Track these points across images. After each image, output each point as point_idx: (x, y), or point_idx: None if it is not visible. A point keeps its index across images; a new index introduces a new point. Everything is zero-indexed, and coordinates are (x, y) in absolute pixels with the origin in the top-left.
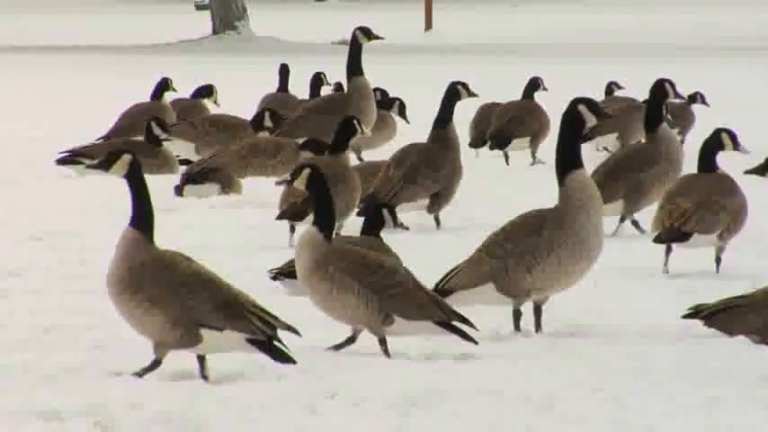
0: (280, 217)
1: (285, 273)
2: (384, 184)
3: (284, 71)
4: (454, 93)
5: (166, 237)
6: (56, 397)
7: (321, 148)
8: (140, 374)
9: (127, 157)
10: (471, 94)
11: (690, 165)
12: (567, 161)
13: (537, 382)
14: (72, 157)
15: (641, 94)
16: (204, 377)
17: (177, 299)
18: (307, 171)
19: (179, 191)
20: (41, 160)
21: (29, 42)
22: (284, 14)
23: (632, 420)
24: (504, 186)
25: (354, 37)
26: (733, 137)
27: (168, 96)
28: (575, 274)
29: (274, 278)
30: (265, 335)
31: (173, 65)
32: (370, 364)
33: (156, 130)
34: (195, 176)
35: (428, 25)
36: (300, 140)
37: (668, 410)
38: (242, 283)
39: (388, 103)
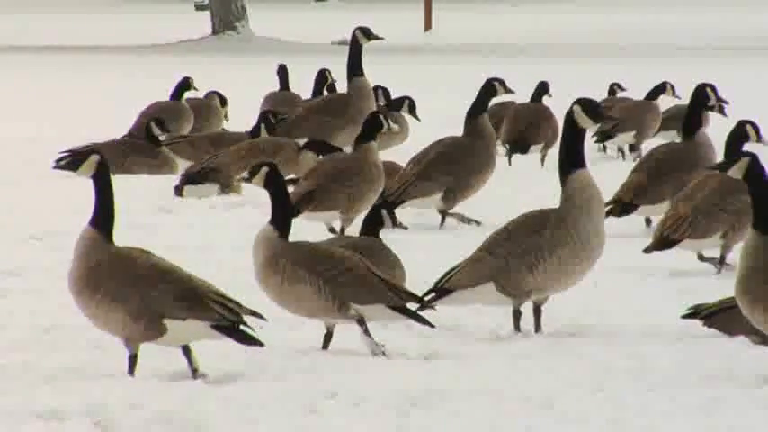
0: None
1: None
2: (398, 181)
3: (283, 71)
4: (490, 88)
5: (166, 237)
6: (56, 397)
7: (324, 149)
8: (131, 373)
9: (94, 158)
10: (508, 91)
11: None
12: (570, 161)
13: (537, 382)
14: (71, 157)
15: (642, 94)
16: (194, 371)
17: (136, 292)
18: (265, 170)
19: (179, 191)
20: (41, 160)
21: (29, 42)
22: (284, 15)
23: (632, 420)
24: (505, 186)
25: (354, 37)
26: (756, 129)
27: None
28: (575, 274)
29: None
30: (229, 320)
31: (172, 65)
32: (369, 363)
33: (156, 131)
34: (195, 177)
35: (428, 25)
36: (300, 140)
37: (668, 410)
38: (241, 283)
39: (398, 103)
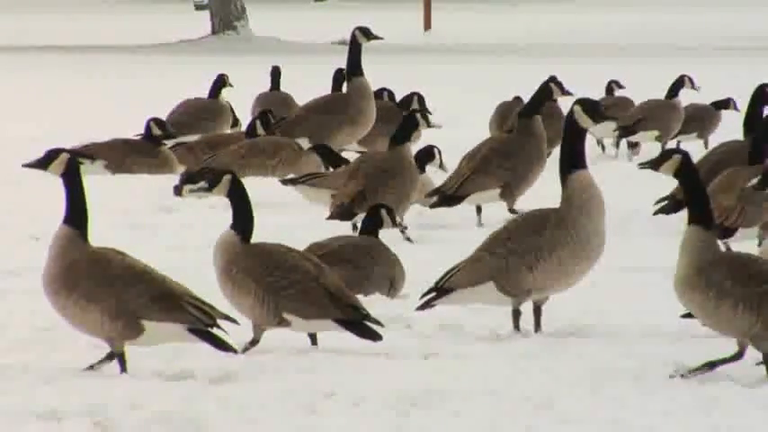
0: (330, 217)
1: None
2: (454, 177)
3: (276, 73)
4: (547, 91)
5: (166, 237)
6: (55, 397)
7: (331, 157)
8: (123, 371)
9: (64, 156)
10: (565, 93)
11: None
12: (570, 161)
13: (537, 381)
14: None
15: (641, 93)
16: (122, 370)
17: (113, 293)
18: (228, 178)
19: (178, 191)
20: None
21: (29, 42)
22: (283, 14)
23: (632, 420)
24: None
25: (354, 37)
26: None
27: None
28: (575, 274)
29: None
30: (204, 324)
31: (172, 65)
32: (369, 363)
33: (156, 130)
34: (195, 176)
35: (427, 25)
36: (299, 140)
37: (668, 410)
38: None
39: (407, 101)
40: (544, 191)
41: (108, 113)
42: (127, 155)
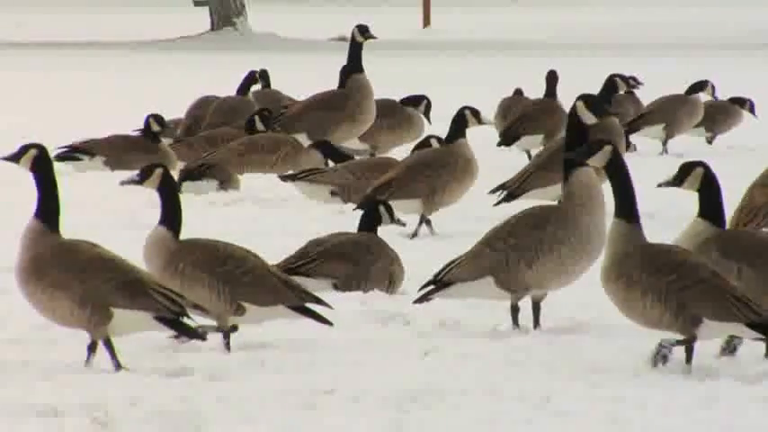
0: (356, 207)
1: (284, 270)
2: (520, 173)
3: (264, 75)
4: (612, 85)
5: None
6: (54, 393)
7: (334, 152)
8: (118, 367)
9: (33, 152)
10: (630, 86)
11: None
12: (572, 159)
13: (535, 378)
14: (70, 153)
15: (644, 90)
16: (116, 365)
17: (81, 280)
18: (158, 171)
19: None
20: None
21: (28, 39)
22: (282, 11)
23: (631, 416)
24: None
25: (352, 35)
26: None
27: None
28: (575, 271)
29: None
30: (172, 312)
31: (171, 61)
32: (368, 360)
33: (155, 126)
34: (193, 173)
35: (426, 22)
36: (298, 136)
37: (666, 407)
38: None
39: (416, 101)
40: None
41: (107, 110)
42: (126, 151)
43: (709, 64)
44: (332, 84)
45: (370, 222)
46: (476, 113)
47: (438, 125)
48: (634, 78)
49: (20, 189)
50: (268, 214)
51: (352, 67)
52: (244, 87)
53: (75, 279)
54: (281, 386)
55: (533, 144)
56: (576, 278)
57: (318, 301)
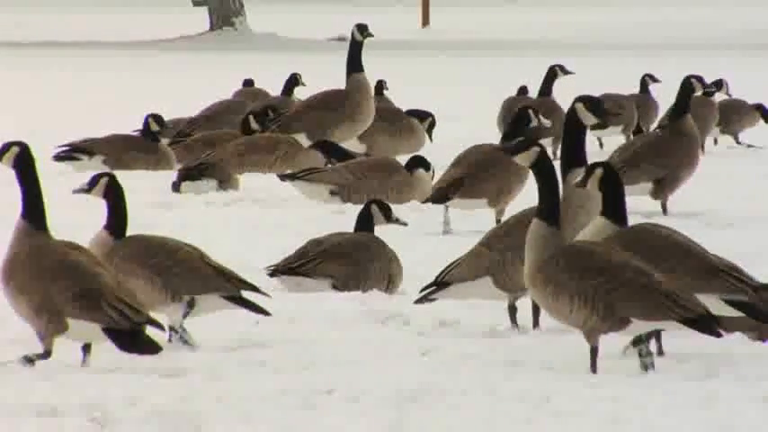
0: (425, 201)
1: (283, 270)
2: None
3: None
4: (688, 86)
5: (164, 233)
6: (53, 393)
7: (335, 150)
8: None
9: (14, 149)
10: (706, 87)
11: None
12: (570, 159)
13: (535, 378)
14: (70, 153)
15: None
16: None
17: (39, 286)
18: (104, 180)
19: (176, 187)
20: (40, 156)
21: (28, 38)
22: (281, 10)
23: (630, 416)
24: None
25: (352, 34)
26: None
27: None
28: None
29: (271, 275)
30: (121, 325)
31: (170, 61)
32: (367, 360)
33: (154, 126)
34: (193, 173)
35: (425, 21)
36: (297, 136)
37: (666, 406)
38: None
39: (422, 116)
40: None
41: (107, 109)
42: (125, 151)
43: (711, 64)
44: (331, 84)
45: (367, 222)
46: (535, 113)
47: (439, 125)
48: (651, 76)
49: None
50: (267, 214)
51: (352, 67)
52: (287, 89)
53: (36, 285)
54: (280, 386)
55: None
56: None
57: (255, 290)
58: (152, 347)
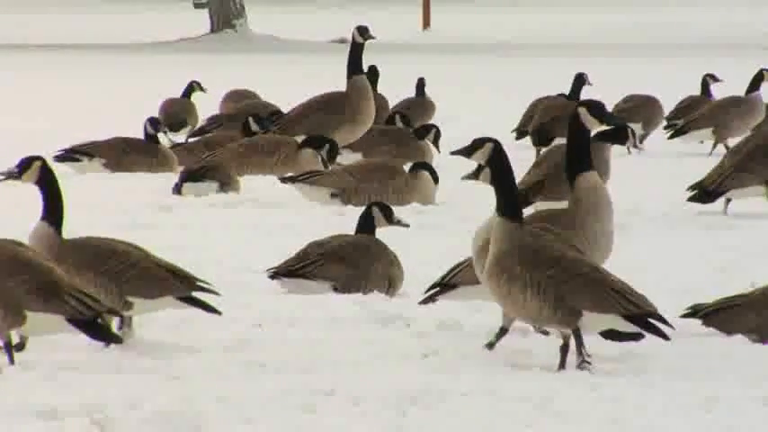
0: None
1: (283, 272)
2: (716, 172)
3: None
4: (761, 78)
5: (166, 236)
6: (54, 394)
7: (321, 142)
8: (11, 362)
9: (37, 163)
10: None
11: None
12: (577, 163)
13: (536, 379)
14: (70, 154)
15: (640, 92)
16: (11, 361)
17: None
18: (37, 164)
19: (178, 189)
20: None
21: (29, 40)
22: (282, 13)
23: (631, 419)
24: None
25: (353, 36)
26: None
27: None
28: None
29: (272, 277)
30: (85, 315)
31: (171, 63)
32: (368, 361)
33: (150, 129)
34: (194, 174)
35: (426, 23)
36: (298, 138)
37: (667, 409)
38: (240, 282)
39: (425, 131)
40: None
41: (107, 111)
42: (126, 153)
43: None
44: (332, 86)
45: (368, 224)
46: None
47: (440, 125)
48: (712, 76)
49: (18, 187)
50: (268, 216)
51: (353, 69)
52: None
53: None
54: (281, 387)
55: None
56: None
57: (206, 290)
58: (115, 337)
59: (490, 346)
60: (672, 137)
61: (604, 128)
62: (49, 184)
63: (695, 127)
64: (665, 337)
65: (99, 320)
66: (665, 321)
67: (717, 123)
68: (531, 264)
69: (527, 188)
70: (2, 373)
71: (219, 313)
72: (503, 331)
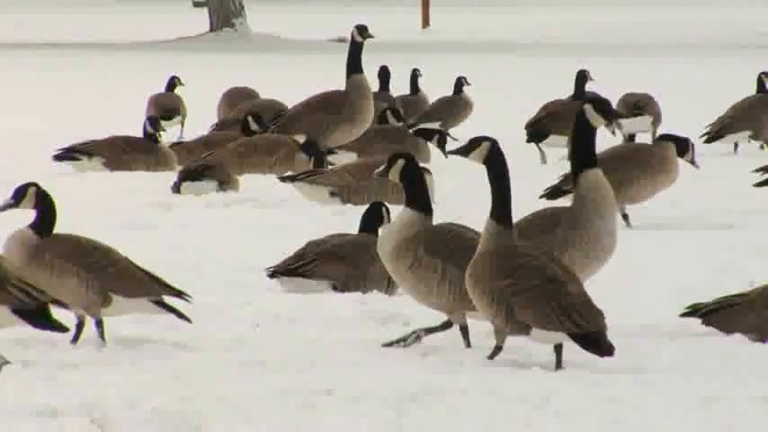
0: (543, 196)
1: (283, 271)
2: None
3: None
4: None
5: (165, 235)
6: (53, 394)
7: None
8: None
9: (32, 189)
10: None
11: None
12: (581, 160)
13: (535, 378)
14: (70, 153)
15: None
16: None
17: None
18: (32, 190)
19: (177, 188)
20: (40, 158)
21: (28, 39)
22: (282, 11)
23: (630, 418)
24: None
25: (352, 35)
26: None
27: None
28: (584, 274)
29: (271, 276)
30: (29, 305)
31: (170, 62)
32: (368, 360)
33: (149, 128)
34: (193, 173)
35: (425, 23)
36: (297, 137)
37: (666, 408)
38: (239, 281)
39: (429, 134)
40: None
41: (106, 110)
42: (125, 152)
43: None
44: (331, 85)
45: (371, 223)
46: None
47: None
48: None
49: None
50: (267, 215)
51: (352, 68)
52: (383, 85)
53: None
54: (280, 386)
55: (560, 144)
56: (585, 280)
57: (179, 295)
58: (60, 326)
59: (491, 358)
60: (708, 141)
61: (627, 123)
62: (46, 206)
63: (730, 131)
64: (606, 354)
65: (45, 311)
66: (604, 341)
67: (752, 127)
68: (494, 270)
69: (562, 180)
70: (1, 373)
71: (189, 321)
72: (498, 349)
